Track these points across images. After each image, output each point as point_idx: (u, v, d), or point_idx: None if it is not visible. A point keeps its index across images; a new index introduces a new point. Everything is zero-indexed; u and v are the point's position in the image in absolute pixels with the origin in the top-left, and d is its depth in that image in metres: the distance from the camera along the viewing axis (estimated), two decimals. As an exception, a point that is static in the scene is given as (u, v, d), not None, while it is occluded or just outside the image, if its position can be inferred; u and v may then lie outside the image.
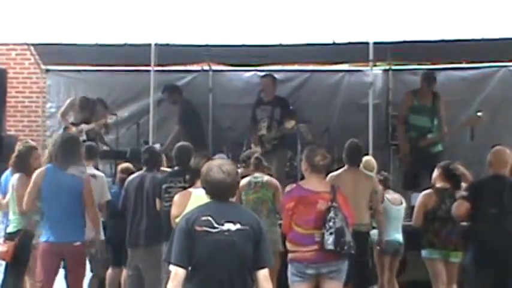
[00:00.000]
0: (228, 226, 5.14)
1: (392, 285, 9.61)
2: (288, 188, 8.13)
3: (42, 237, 7.76)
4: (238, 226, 5.15)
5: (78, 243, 7.71)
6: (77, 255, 7.76)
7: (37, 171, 7.85)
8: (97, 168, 10.08)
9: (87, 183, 7.91)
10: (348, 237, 7.23)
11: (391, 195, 9.64)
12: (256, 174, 9.31)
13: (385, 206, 9.29)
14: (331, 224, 7.17)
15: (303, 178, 7.79)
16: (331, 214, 7.20)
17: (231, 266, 5.15)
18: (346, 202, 7.47)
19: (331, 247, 7.15)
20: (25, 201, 7.82)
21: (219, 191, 5.27)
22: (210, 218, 5.14)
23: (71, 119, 12.34)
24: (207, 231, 5.12)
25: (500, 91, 12.66)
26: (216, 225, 5.13)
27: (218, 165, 5.31)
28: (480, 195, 7.62)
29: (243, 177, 9.25)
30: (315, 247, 7.23)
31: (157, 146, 10.98)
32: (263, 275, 5.22)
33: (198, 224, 5.14)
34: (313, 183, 7.43)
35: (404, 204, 9.70)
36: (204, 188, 5.35)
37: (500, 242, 7.48)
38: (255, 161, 9.46)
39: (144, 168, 9.17)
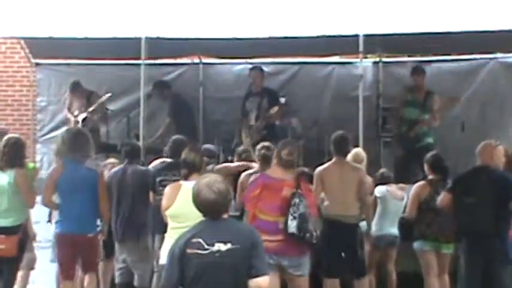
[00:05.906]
0: (219, 246, 5.03)
1: (391, 276, 9.53)
2: (252, 178, 8.07)
3: (58, 228, 8.06)
4: (229, 246, 5.03)
5: (91, 235, 8.02)
6: (90, 246, 8.08)
7: (54, 167, 8.09)
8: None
9: (101, 177, 8.21)
10: (311, 225, 7.27)
11: (393, 188, 9.50)
12: None
13: (384, 198, 9.29)
14: (295, 208, 7.24)
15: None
16: (296, 200, 7.29)
17: (223, 287, 5.08)
18: (309, 192, 7.56)
19: (293, 231, 7.19)
20: (44, 195, 8.03)
21: (212, 211, 5.17)
22: (200, 240, 5.07)
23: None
24: (197, 253, 5.04)
25: (490, 83, 12.66)
26: (206, 246, 5.04)
27: (208, 185, 5.15)
28: (461, 186, 7.84)
29: (243, 170, 9.20)
30: (279, 237, 7.27)
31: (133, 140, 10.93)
32: (256, 283, 5.05)
33: (189, 246, 5.07)
34: (277, 173, 7.54)
35: (405, 201, 9.55)
36: (196, 207, 5.22)
37: (481, 230, 7.65)
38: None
39: (125, 161, 9.18)
